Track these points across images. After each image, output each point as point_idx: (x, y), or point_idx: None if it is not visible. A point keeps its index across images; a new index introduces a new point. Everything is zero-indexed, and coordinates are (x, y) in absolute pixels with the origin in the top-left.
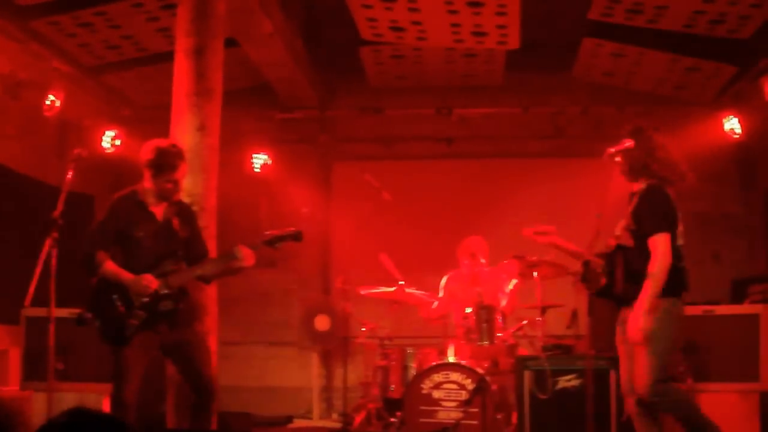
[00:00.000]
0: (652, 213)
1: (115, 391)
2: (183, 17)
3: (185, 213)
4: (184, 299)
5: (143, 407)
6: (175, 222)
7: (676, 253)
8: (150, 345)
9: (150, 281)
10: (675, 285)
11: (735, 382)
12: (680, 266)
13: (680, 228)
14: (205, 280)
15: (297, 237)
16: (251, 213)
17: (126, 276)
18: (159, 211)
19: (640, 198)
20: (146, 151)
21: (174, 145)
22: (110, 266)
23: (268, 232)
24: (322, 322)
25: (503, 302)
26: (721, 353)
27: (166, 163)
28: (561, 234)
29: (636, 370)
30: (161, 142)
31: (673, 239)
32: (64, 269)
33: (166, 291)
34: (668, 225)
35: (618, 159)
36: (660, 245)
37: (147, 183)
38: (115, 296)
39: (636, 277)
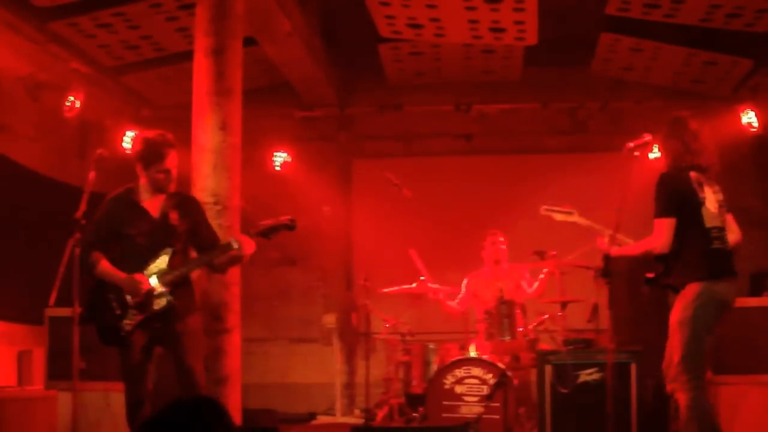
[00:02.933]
0: (655, 200)
1: (128, 393)
2: (202, 17)
3: (185, 204)
4: (179, 295)
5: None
6: (173, 215)
7: (701, 236)
8: (149, 341)
9: (143, 281)
10: (703, 269)
11: (754, 374)
12: (709, 249)
13: (709, 210)
14: (215, 269)
15: (290, 226)
16: (273, 211)
17: (120, 276)
18: (155, 205)
19: (655, 186)
20: (135, 143)
21: (162, 134)
22: (105, 266)
23: (261, 223)
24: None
25: (530, 289)
26: (740, 346)
27: (153, 153)
28: (581, 230)
29: (668, 355)
30: (149, 133)
31: (695, 222)
32: None
33: (160, 289)
34: (668, 210)
35: (638, 153)
36: (655, 229)
37: (141, 177)
38: (111, 297)
39: (676, 261)
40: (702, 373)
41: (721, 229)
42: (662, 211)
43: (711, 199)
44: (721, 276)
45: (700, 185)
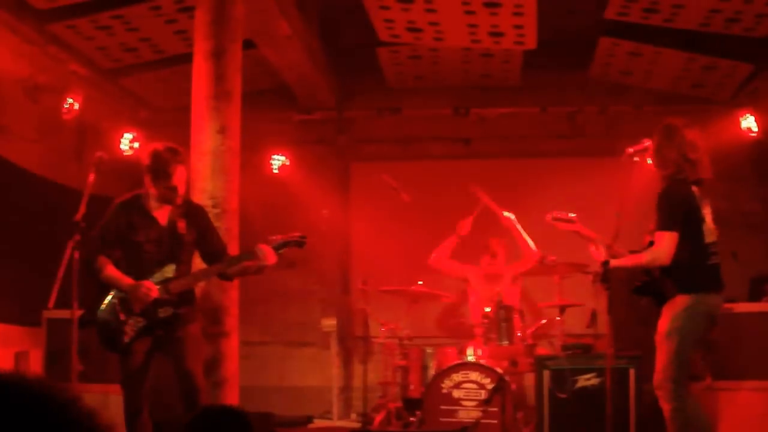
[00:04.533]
0: (659, 212)
1: (127, 400)
2: (201, 20)
3: (193, 214)
4: (185, 304)
5: (164, 412)
6: (181, 225)
7: (701, 251)
8: (150, 348)
9: (149, 289)
10: (697, 282)
11: (754, 380)
12: (706, 264)
13: (708, 226)
14: (226, 277)
15: (300, 243)
16: (271, 214)
17: (126, 282)
18: (163, 214)
19: (658, 196)
20: (145, 155)
21: (171, 149)
22: (111, 271)
23: (272, 238)
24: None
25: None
26: (740, 351)
27: (161, 168)
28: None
29: (656, 364)
30: (159, 146)
31: (697, 237)
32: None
33: (165, 297)
34: (674, 224)
35: (637, 158)
36: (659, 241)
37: (149, 187)
38: (115, 302)
39: (669, 272)
40: (687, 382)
41: (716, 244)
42: (667, 224)
43: (709, 214)
44: (712, 289)
45: (702, 200)
